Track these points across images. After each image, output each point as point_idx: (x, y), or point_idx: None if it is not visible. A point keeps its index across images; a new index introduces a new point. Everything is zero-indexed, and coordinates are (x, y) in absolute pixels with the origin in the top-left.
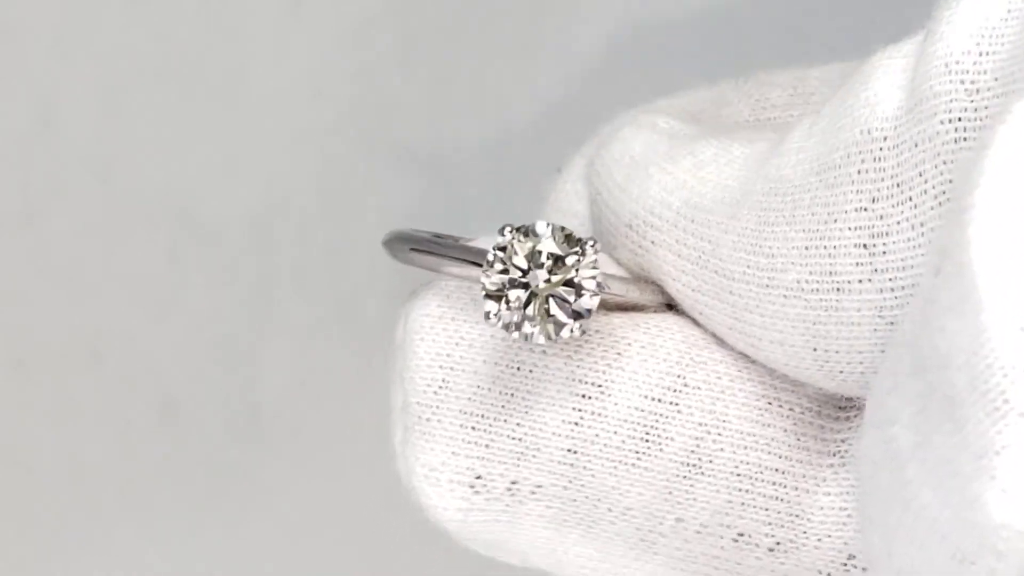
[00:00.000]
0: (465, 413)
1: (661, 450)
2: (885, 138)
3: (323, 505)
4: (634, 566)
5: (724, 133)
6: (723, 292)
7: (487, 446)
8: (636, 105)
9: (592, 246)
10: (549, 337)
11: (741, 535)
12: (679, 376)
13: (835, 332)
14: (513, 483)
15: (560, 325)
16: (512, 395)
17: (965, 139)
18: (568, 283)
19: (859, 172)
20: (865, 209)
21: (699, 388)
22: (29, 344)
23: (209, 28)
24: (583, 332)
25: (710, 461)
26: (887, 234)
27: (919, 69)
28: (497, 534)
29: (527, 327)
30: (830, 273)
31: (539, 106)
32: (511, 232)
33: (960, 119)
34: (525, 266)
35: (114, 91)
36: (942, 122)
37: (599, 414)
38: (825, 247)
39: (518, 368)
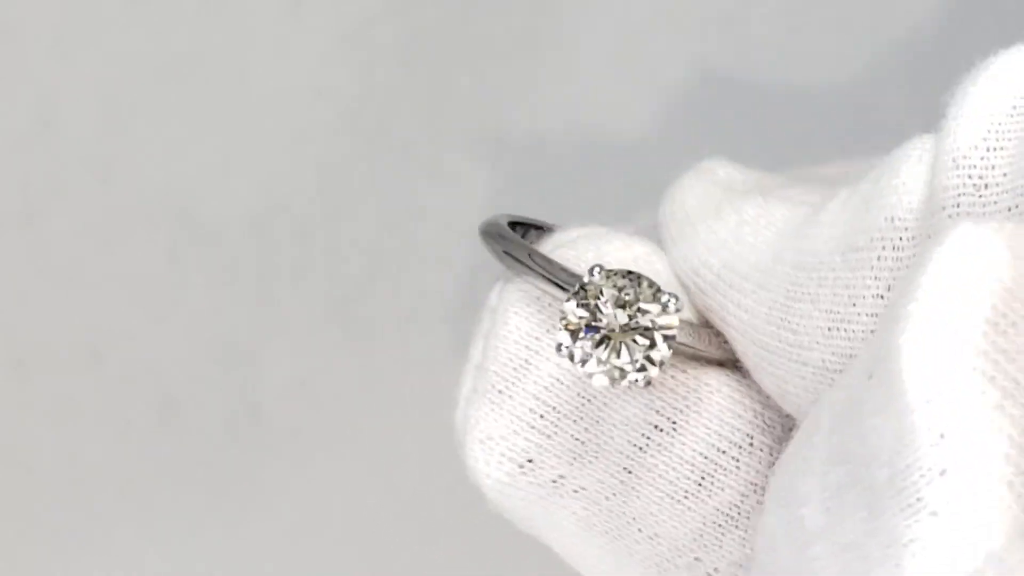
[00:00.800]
0: (538, 399)
1: (709, 497)
2: (907, 228)
3: (323, 505)
4: None
5: (775, 189)
6: (763, 363)
7: (548, 437)
8: (636, 107)
9: (675, 302)
10: (612, 380)
11: None
12: (748, 435)
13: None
14: (560, 477)
15: (624, 373)
16: (588, 401)
17: None
18: (644, 332)
19: (879, 259)
20: (882, 296)
21: (761, 450)
22: (29, 344)
23: (209, 28)
24: (647, 384)
25: (747, 518)
26: None
27: (936, 161)
28: (528, 512)
29: (591, 366)
30: (851, 356)
31: (539, 106)
32: (600, 274)
33: (969, 214)
34: (608, 309)
35: (114, 91)
36: (950, 216)
37: (665, 448)
38: (845, 331)
39: None
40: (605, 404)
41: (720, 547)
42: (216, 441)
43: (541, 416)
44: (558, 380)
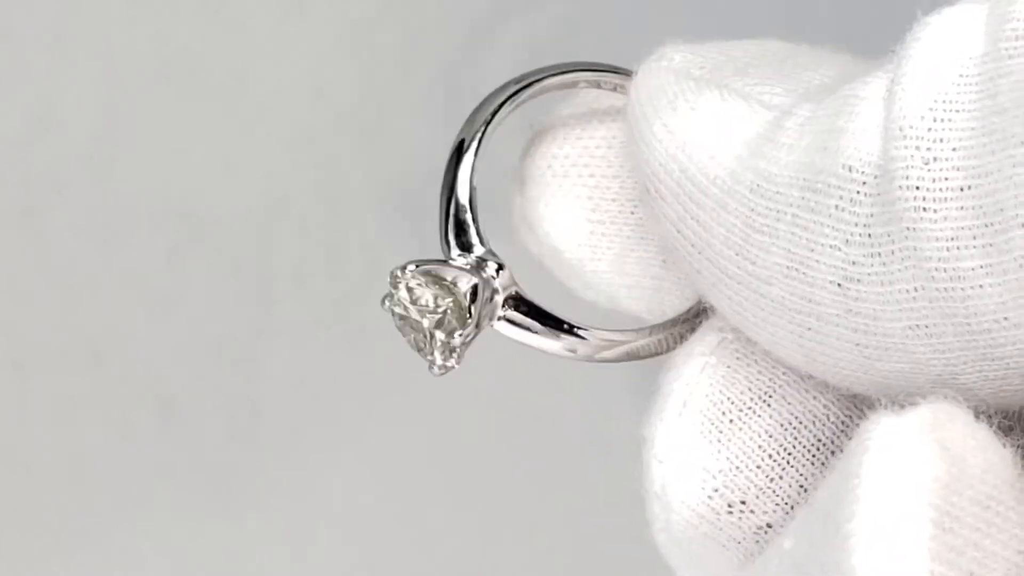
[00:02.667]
0: (771, 437)
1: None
2: (864, 183)
3: (323, 505)
4: None
5: (734, 79)
6: (721, 285)
7: (771, 480)
8: None
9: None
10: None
11: None
12: None
13: (818, 350)
14: (768, 526)
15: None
16: (823, 444)
17: (925, 208)
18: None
19: (836, 208)
20: (839, 249)
21: None
22: (29, 344)
23: (209, 28)
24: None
25: None
26: (859, 281)
27: (885, 124)
28: (702, 555)
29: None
30: (809, 300)
31: (540, 105)
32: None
33: (918, 187)
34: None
35: (114, 91)
36: (901, 188)
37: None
38: (804, 275)
39: None
40: (838, 449)
41: None
42: (216, 441)
43: (770, 456)
44: (795, 418)
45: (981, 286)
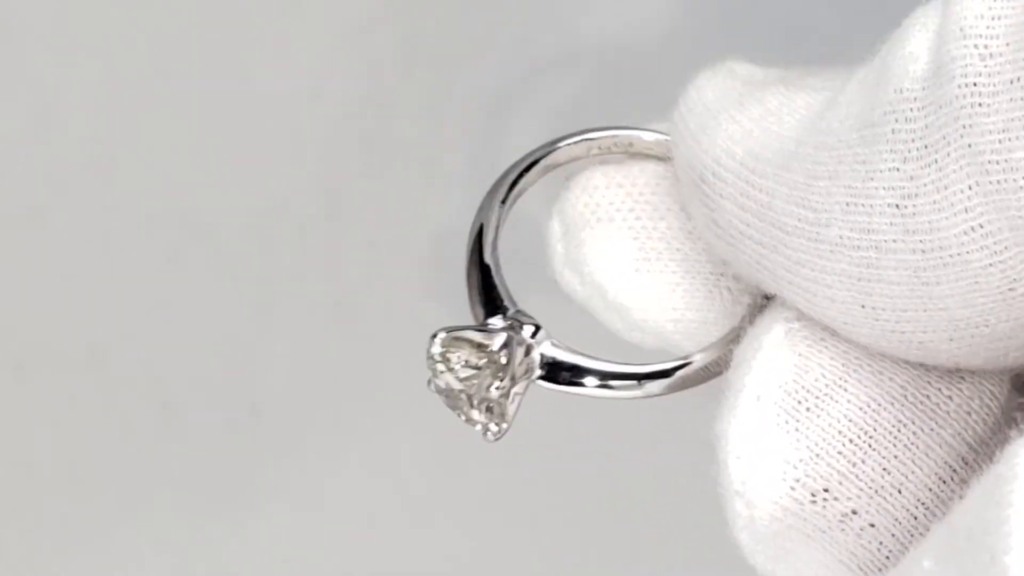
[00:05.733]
0: (850, 421)
1: None
2: (915, 99)
3: (323, 505)
4: None
5: (796, 79)
6: (779, 245)
7: (854, 464)
8: (635, 109)
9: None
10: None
11: None
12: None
13: (878, 290)
14: (854, 512)
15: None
16: (904, 425)
17: (981, 104)
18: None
19: (892, 132)
20: (897, 169)
21: None
22: (29, 344)
23: (209, 28)
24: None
25: None
26: (916, 195)
27: (941, 30)
28: (791, 548)
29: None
30: (868, 231)
31: (539, 107)
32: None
33: (975, 84)
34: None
35: (114, 91)
36: (959, 87)
37: (965, 483)
38: (863, 205)
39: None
40: (919, 429)
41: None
42: (216, 441)
43: (850, 440)
44: (874, 400)
45: None
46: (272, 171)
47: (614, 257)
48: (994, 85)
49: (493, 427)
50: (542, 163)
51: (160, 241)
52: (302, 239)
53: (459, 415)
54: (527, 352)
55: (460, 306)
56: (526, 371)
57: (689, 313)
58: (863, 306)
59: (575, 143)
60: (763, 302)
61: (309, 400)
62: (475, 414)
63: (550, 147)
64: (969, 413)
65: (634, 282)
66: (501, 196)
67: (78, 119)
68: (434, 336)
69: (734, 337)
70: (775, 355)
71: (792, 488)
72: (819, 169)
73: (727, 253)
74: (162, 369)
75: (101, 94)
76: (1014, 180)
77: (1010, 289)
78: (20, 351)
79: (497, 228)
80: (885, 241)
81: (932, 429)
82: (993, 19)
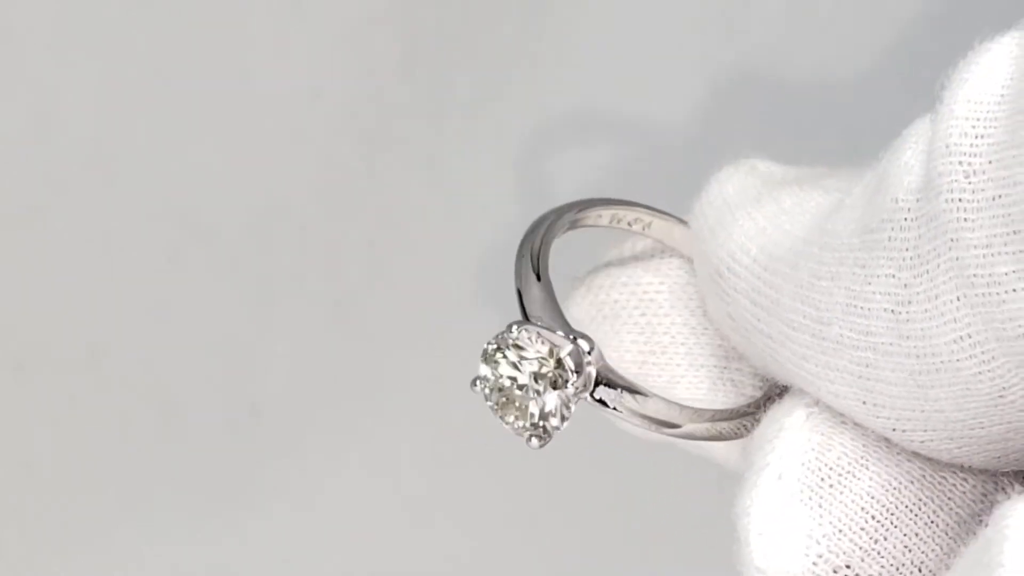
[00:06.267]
0: (872, 498)
1: None
2: (909, 209)
3: (323, 505)
4: None
5: (812, 179)
6: (787, 340)
7: (876, 541)
8: (634, 108)
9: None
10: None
11: None
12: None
13: (878, 388)
14: None
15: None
16: (924, 503)
17: (966, 219)
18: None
19: (889, 239)
20: (893, 276)
21: None
22: (29, 344)
23: (209, 28)
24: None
25: None
26: (910, 302)
27: (931, 146)
28: None
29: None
30: (866, 333)
31: (539, 106)
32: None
33: (960, 199)
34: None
35: (114, 91)
36: (946, 201)
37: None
38: (861, 307)
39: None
40: (939, 508)
41: None
42: (216, 441)
43: (873, 517)
44: (894, 479)
45: (1015, 290)
46: (272, 171)
47: (620, 350)
48: (978, 202)
49: (538, 437)
50: (567, 217)
51: (160, 241)
52: (302, 239)
53: (502, 416)
54: (585, 366)
55: (460, 306)
56: (583, 386)
57: (693, 403)
58: (864, 402)
59: (603, 209)
60: (775, 391)
61: (309, 400)
62: (520, 419)
63: (583, 207)
64: (985, 495)
65: (640, 373)
66: (544, 228)
67: (78, 119)
68: (511, 326)
69: (741, 414)
70: (797, 435)
71: (815, 563)
72: (823, 269)
73: (741, 345)
74: (162, 369)
75: (101, 94)
76: (997, 294)
77: (1000, 396)
78: (20, 351)
79: (544, 243)
80: (882, 343)
81: (951, 509)
82: (976, 137)
